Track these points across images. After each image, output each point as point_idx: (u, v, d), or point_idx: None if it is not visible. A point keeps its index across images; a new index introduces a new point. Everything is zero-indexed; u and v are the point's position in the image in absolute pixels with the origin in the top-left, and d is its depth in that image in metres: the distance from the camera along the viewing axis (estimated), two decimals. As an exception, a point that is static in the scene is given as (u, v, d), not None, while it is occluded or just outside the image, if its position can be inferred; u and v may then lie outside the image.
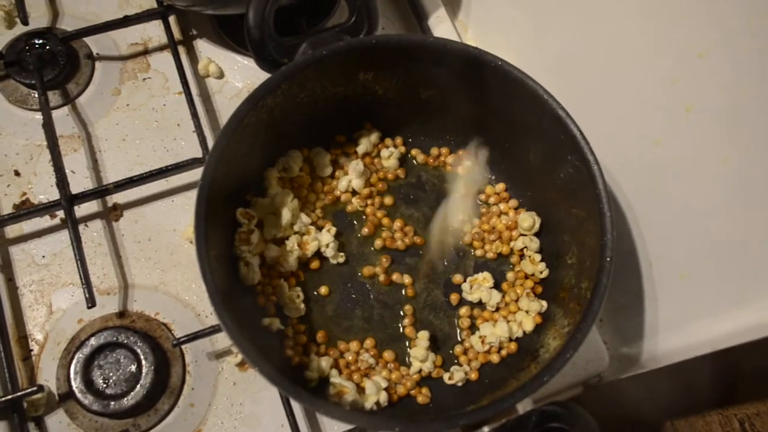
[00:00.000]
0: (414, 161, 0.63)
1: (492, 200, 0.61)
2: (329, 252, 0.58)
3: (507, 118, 0.57)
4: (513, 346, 0.56)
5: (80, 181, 0.63)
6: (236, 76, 0.69)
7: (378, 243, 0.60)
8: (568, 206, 0.55)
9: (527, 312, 0.56)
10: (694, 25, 0.45)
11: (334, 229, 0.59)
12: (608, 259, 0.49)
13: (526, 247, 0.59)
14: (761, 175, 0.44)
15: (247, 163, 0.55)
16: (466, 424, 0.45)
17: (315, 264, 0.59)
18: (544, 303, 0.56)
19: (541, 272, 0.57)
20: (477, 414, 0.44)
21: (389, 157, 0.61)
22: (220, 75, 0.68)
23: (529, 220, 0.58)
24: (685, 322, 0.55)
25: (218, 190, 0.50)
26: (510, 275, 0.59)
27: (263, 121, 0.53)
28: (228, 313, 0.45)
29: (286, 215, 0.56)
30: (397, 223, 0.60)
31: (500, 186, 0.62)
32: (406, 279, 0.59)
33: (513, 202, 0.61)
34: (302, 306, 0.56)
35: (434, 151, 0.63)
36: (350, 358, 0.55)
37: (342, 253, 0.59)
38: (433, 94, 0.58)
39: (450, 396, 0.54)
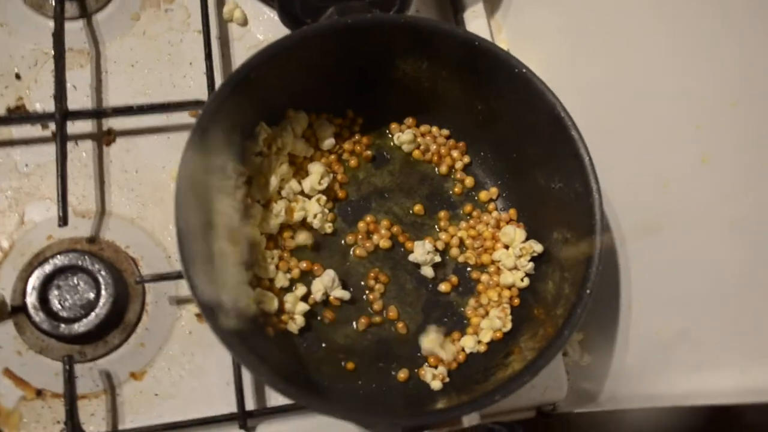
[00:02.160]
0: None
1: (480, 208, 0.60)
2: (316, 223, 0.57)
3: (519, 128, 0.55)
4: (462, 356, 0.55)
5: (80, 98, 0.61)
6: (260, 27, 0.67)
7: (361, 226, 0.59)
8: (560, 229, 0.53)
9: (490, 324, 0.55)
10: (728, 73, 0.44)
11: (324, 199, 0.57)
12: (588, 291, 0.48)
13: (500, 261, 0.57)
14: (763, 245, 0.43)
15: (247, 117, 0.53)
16: (408, 426, 0.44)
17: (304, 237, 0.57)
18: (509, 324, 0.54)
19: (522, 280, 0.56)
20: (420, 419, 0.43)
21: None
22: (244, 22, 0.67)
23: (510, 234, 0.57)
24: (653, 371, 0.54)
25: (211, 137, 0.48)
26: (484, 277, 0.58)
27: (272, 77, 0.51)
28: (191, 254, 0.44)
29: (273, 181, 0.55)
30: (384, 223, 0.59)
31: (493, 191, 0.60)
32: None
33: (505, 215, 0.59)
34: (272, 268, 0.55)
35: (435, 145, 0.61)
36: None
37: (330, 224, 0.58)
38: (451, 88, 0.57)
39: (400, 395, 0.53)
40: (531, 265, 0.55)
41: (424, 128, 0.61)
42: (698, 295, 0.49)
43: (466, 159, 0.61)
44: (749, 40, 0.42)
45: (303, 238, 0.57)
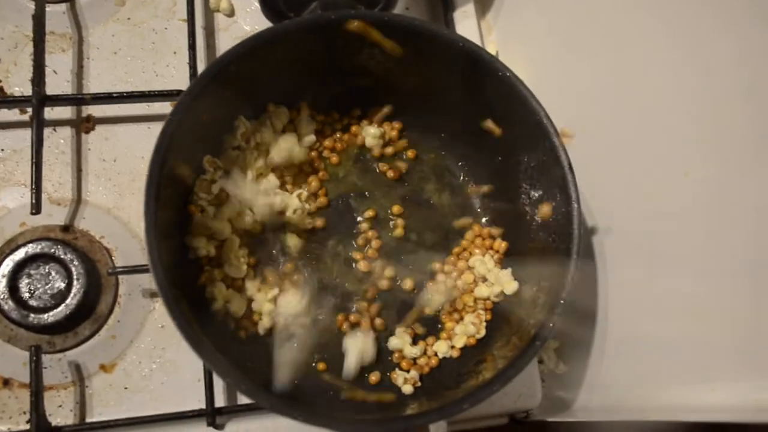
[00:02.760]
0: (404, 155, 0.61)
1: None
2: (296, 218, 0.56)
3: (504, 133, 0.54)
4: (434, 360, 0.54)
5: (59, 83, 0.60)
6: (246, 19, 0.66)
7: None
8: (538, 237, 0.53)
9: (464, 330, 0.54)
10: (713, 87, 0.43)
11: (305, 194, 0.57)
12: (561, 301, 0.47)
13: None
14: (741, 261, 0.42)
15: (225, 109, 0.52)
16: None
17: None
18: (483, 330, 0.54)
19: (497, 295, 0.55)
20: (386, 425, 0.43)
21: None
22: (231, 13, 0.66)
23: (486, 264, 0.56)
24: (627, 383, 0.54)
25: (187, 128, 0.48)
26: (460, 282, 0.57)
27: (253, 70, 0.50)
28: (160, 253, 0.44)
29: (249, 175, 0.54)
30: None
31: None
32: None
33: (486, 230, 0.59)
34: (244, 267, 0.54)
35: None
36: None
37: (311, 220, 0.57)
38: (436, 91, 0.56)
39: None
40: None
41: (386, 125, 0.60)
42: (675, 307, 0.48)
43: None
44: (734, 53, 0.41)
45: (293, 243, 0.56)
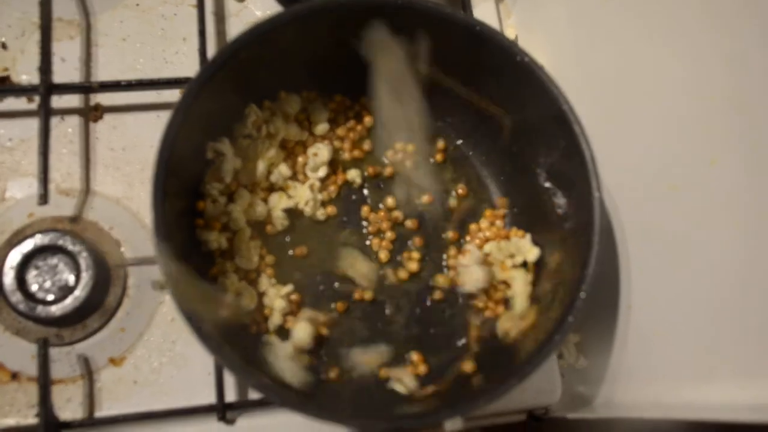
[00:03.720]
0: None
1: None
2: (308, 210, 0.55)
3: (521, 122, 0.53)
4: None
5: (68, 71, 0.59)
6: (257, 3, 0.64)
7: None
8: (558, 229, 0.51)
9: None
10: (738, 74, 0.41)
11: (317, 185, 0.55)
12: (582, 295, 0.45)
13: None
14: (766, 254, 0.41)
15: (235, 97, 0.51)
16: (386, 429, 0.42)
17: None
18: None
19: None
20: (398, 422, 0.41)
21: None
22: (242, -2, 0.64)
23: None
24: (649, 378, 0.52)
25: (196, 116, 0.46)
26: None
27: (263, 57, 0.49)
28: (168, 244, 0.42)
29: (261, 165, 0.52)
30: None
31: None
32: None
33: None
34: (256, 259, 0.53)
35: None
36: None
37: (323, 210, 0.56)
38: (450, 75, 0.54)
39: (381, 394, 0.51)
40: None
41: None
42: (700, 300, 0.46)
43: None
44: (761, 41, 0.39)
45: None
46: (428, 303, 0.55)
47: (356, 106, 0.58)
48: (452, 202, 0.58)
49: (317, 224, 0.56)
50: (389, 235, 0.56)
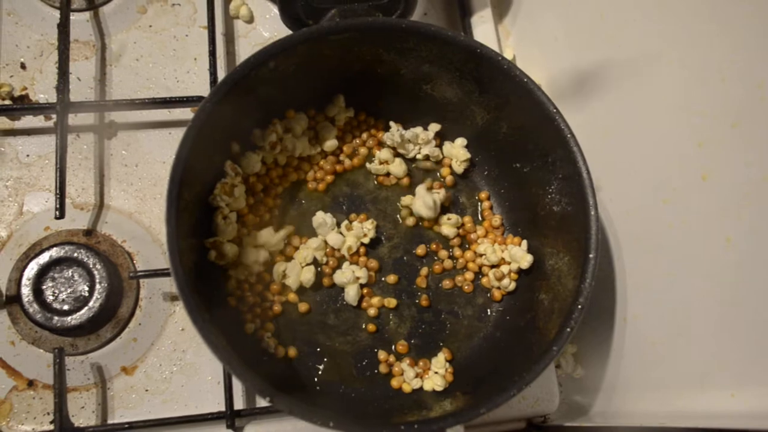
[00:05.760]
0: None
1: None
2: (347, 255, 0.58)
3: (519, 138, 0.55)
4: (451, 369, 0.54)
5: (83, 90, 0.62)
6: (265, 25, 0.67)
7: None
8: (554, 242, 0.53)
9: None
10: (731, 92, 0.43)
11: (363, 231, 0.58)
12: (579, 306, 0.47)
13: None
14: (759, 264, 0.42)
15: (245, 116, 0.53)
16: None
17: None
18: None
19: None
20: (402, 429, 0.43)
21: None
22: (250, 19, 0.66)
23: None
24: (645, 387, 0.53)
25: (208, 134, 0.48)
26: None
27: (272, 77, 0.51)
28: (182, 258, 0.44)
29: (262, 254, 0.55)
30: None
31: (483, 195, 0.60)
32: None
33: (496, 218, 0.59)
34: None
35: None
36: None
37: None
38: (452, 94, 0.56)
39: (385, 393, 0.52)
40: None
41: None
42: (694, 310, 0.48)
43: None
44: (754, 58, 0.41)
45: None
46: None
47: (363, 125, 0.60)
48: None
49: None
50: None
